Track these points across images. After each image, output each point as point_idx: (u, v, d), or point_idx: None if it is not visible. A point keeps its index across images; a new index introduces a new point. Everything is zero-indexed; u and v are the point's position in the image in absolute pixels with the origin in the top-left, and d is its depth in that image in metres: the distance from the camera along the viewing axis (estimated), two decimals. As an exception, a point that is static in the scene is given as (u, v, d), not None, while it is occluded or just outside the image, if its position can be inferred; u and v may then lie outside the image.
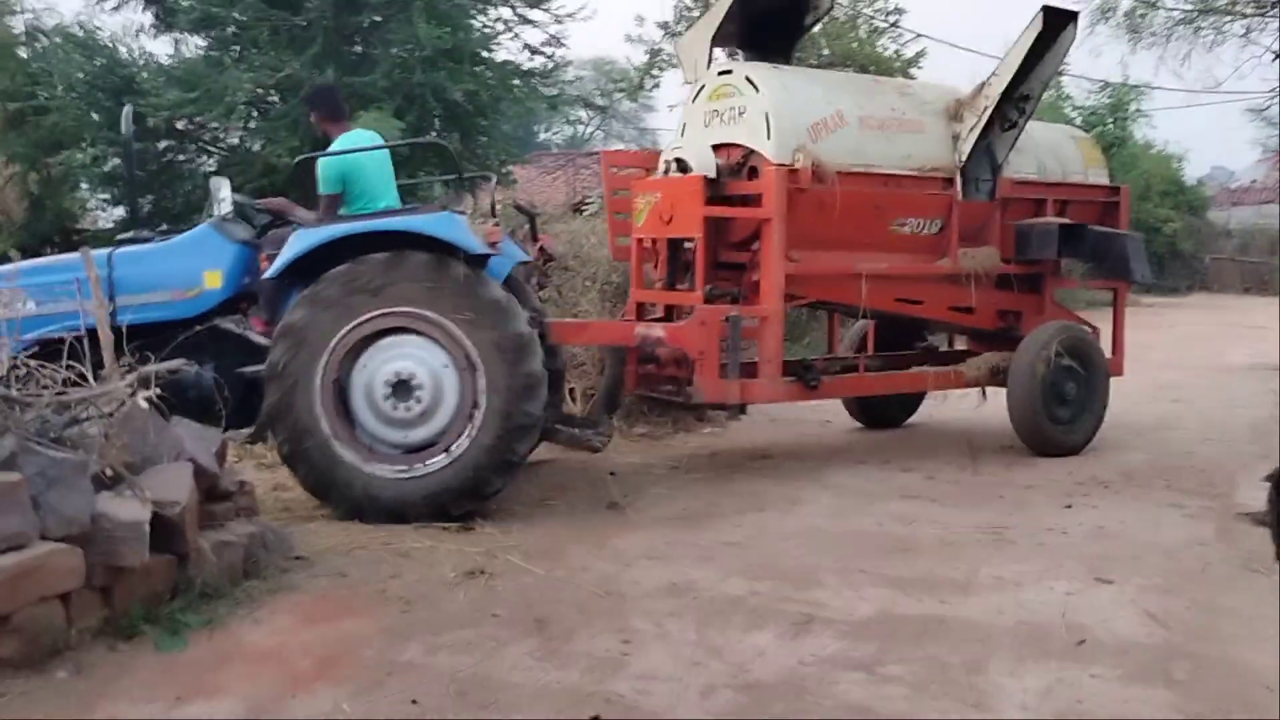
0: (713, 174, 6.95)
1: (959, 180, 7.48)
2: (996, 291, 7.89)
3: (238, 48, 11.90)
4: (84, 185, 12.99)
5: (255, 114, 12.01)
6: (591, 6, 12.74)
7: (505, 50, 13.05)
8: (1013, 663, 3.94)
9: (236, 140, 12.63)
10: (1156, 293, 25.04)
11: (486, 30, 12.58)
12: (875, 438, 8.64)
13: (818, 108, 7.12)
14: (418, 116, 11.33)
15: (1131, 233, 8.23)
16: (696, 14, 18.70)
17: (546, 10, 12.70)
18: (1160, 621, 4.37)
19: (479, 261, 5.87)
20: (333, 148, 6.42)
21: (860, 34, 18.45)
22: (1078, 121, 25.99)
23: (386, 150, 6.66)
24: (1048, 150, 8.22)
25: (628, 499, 6.41)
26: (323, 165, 6.31)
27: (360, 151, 6.37)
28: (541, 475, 7.07)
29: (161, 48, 20.13)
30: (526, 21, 12.76)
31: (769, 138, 6.93)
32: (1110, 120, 29.66)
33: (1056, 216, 7.92)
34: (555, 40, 12.84)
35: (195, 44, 12.66)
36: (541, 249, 7.21)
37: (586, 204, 15.32)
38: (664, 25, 18.65)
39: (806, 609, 4.49)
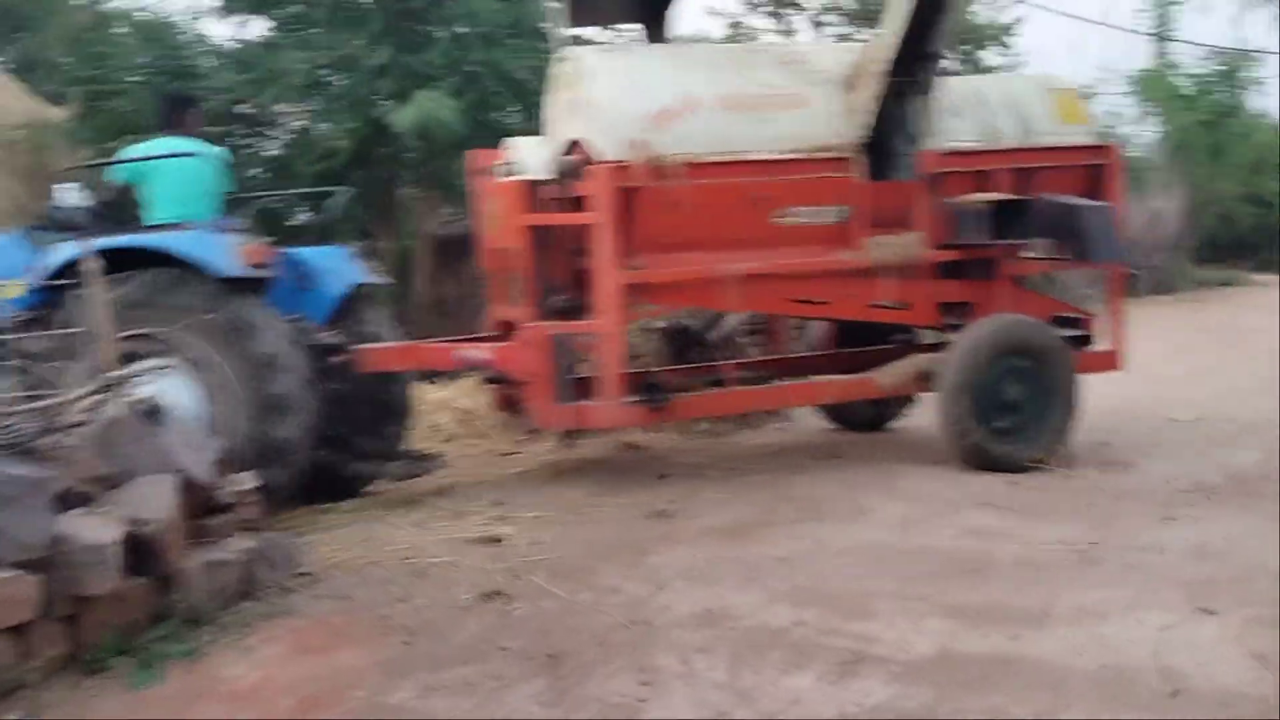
0: (545, 174, 6.34)
1: (860, 159, 6.49)
2: (936, 282, 6.84)
3: (300, 28, 11.62)
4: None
5: (314, 95, 11.74)
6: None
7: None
8: (1090, 717, 3.37)
9: (297, 123, 12.39)
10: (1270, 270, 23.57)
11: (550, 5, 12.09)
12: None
13: (663, 91, 6.31)
14: (478, 95, 10.93)
15: (1095, 203, 6.77)
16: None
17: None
18: (1269, 664, 3.73)
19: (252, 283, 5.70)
20: (130, 152, 6.31)
21: None
22: (1190, 92, 24.55)
23: (212, 162, 6.41)
24: (1003, 109, 7.02)
25: (676, 505, 5.91)
26: (111, 172, 6.25)
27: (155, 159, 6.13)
28: (591, 477, 6.62)
29: (227, 31, 20.18)
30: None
31: (598, 131, 6.23)
32: (1222, 88, 28.07)
33: (1011, 188, 6.74)
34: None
35: (261, 27, 12.49)
36: None
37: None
38: (746, -1, 18.02)
39: (856, 644, 3.95)
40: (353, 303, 6.51)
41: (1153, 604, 4.31)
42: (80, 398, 3.89)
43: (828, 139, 6.47)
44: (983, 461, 6.49)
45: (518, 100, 11.68)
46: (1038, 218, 6.65)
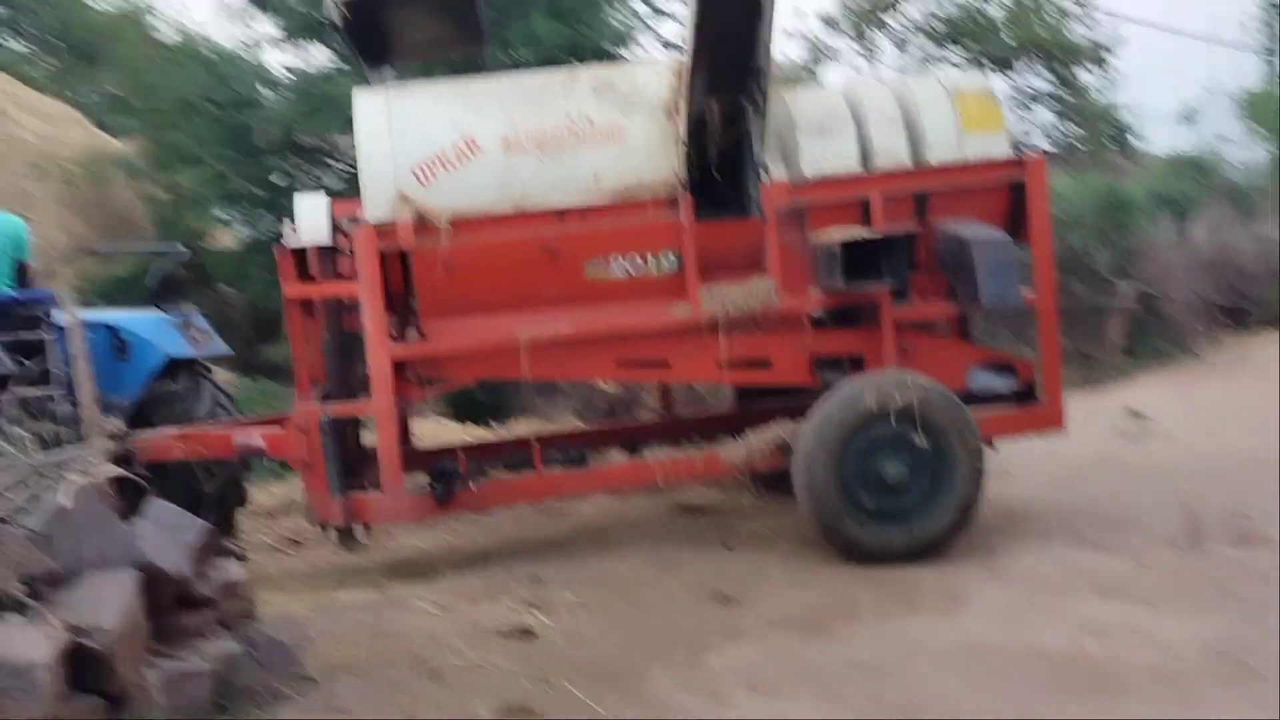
0: (323, 240, 5.60)
1: (687, 196, 5.59)
2: (805, 335, 5.81)
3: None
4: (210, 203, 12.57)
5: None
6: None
7: (640, 46, 11.97)
8: None
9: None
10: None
11: (616, 25, 11.50)
12: (1062, 497, 7.02)
13: (437, 137, 5.54)
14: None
15: (985, 234, 5.61)
16: (865, 4, 17.35)
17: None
18: None
19: None
20: None
21: (1047, 18, 16.59)
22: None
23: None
24: (888, 123, 5.86)
25: (740, 587, 5.13)
26: None
27: None
28: (642, 545, 5.87)
29: (285, 59, 20.01)
30: (662, 13, 11.65)
31: (365, 184, 5.53)
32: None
33: (902, 217, 5.69)
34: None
35: (322, 57, 12.10)
36: None
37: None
38: (825, 18, 17.31)
39: (957, 795, 3.15)
40: (174, 377, 6.08)
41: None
42: (21, 479, 3.25)
43: (647, 175, 5.58)
44: (853, 553, 5.44)
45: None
46: (923, 253, 5.68)
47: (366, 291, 5.42)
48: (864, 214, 5.68)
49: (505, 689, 3.93)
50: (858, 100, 5.94)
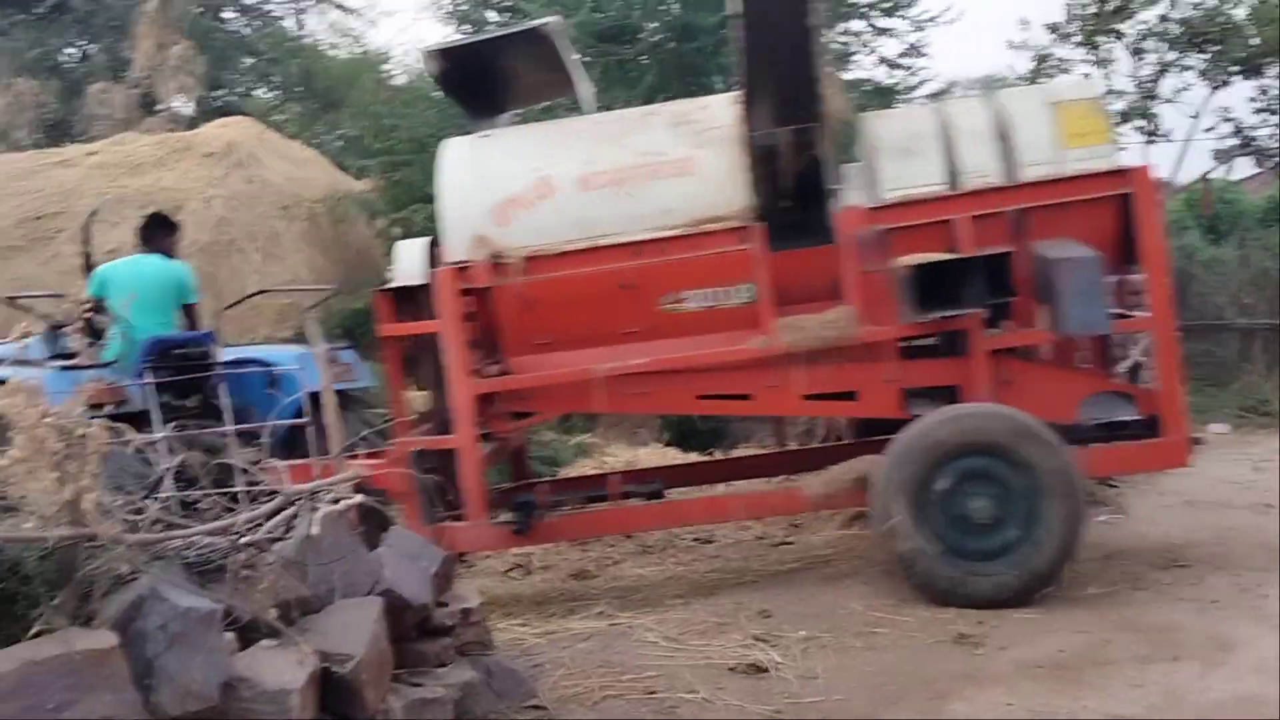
0: (416, 280, 5.82)
1: (760, 226, 5.50)
2: (892, 365, 5.55)
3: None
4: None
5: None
6: (959, 7, 11.21)
7: (859, 67, 11.76)
8: None
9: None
10: None
11: (836, 46, 11.32)
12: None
13: (513, 179, 5.68)
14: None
15: (1072, 254, 5.24)
16: (1093, 10, 16.53)
17: (904, 17, 11.25)
18: None
19: None
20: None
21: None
22: None
23: (160, 270, 6.72)
24: (977, 139, 5.58)
25: (982, 627, 4.86)
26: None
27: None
28: (877, 584, 5.66)
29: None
30: (882, 32, 11.39)
31: (446, 227, 5.75)
32: None
33: (992, 240, 5.34)
34: (915, 50, 11.35)
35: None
36: None
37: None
38: (1053, 27, 16.55)
39: None
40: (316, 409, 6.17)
41: None
42: (278, 508, 3.39)
43: (719, 208, 5.56)
44: (948, 598, 5.10)
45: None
46: (1018, 276, 5.26)
47: (448, 328, 5.62)
48: (942, 237, 5.43)
49: (737, 729, 3.83)
50: (948, 118, 5.71)
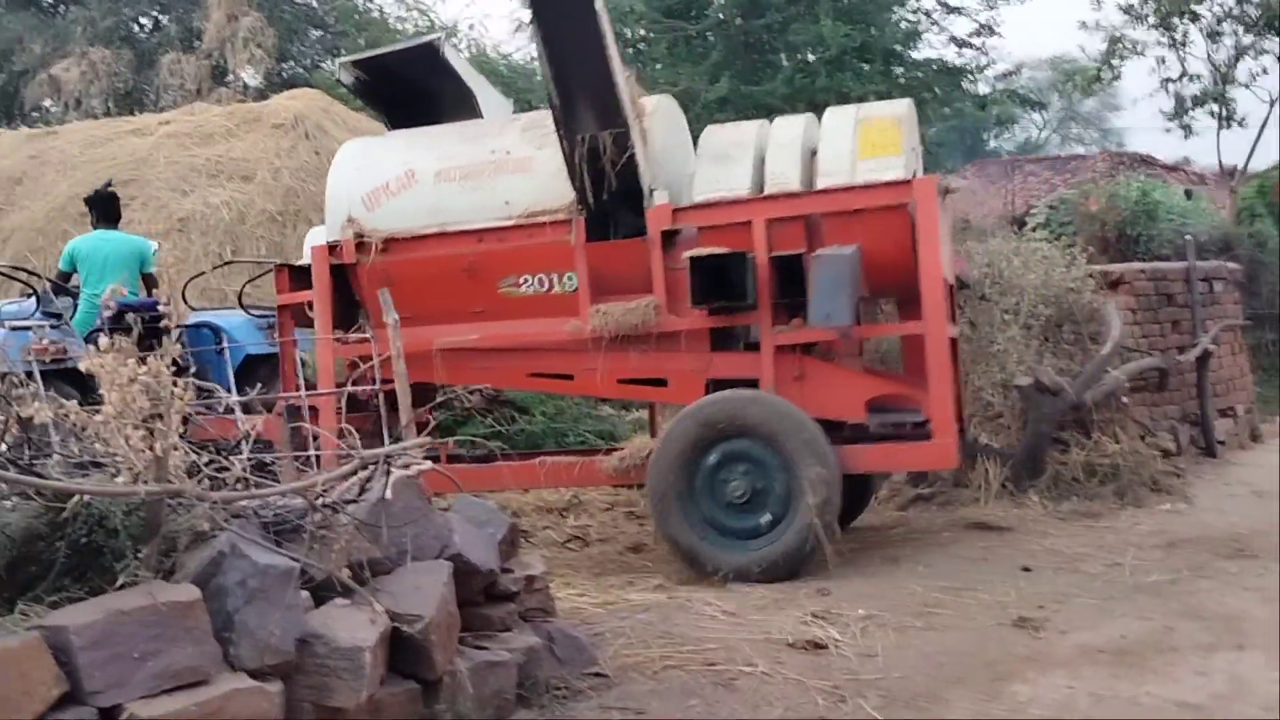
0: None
1: (580, 220, 5.93)
2: (696, 355, 5.89)
3: (638, 65, 11.40)
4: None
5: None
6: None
7: (927, 46, 11.62)
8: None
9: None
10: None
11: (906, 24, 11.20)
12: None
13: (385, 170, 6.34)
14: (822, 125, 10.18)
15: (829, 252, 5.50)
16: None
17: (977, -6, 11.11)
18: None
19: None
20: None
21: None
22: None
23: (123, 243, 7.63)
24: (786, 150, 5.89)
25: (1043, 611, 4.84)
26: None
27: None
28: (934, 563, 5.66)
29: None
30: (952, 10, 11.24)
31: (328, 212, 6.48)
32: None
33: (793, 243, 5.65)
34: (987, 29, 11.20)
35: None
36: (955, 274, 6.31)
37: (1031, 214, 13.46)
38: (1126, 8, 16.23)
39: None
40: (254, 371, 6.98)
41: None
42: (353, 470, 3.45)
43: (549, 203, 6.02)
44: (695, 567, 5.62)
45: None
46: (749, 275, 5.63)
47: (317, 299, 6.33)
48: (741, 237, 5.77)
49: (798, 703, 3.85)
50: (770, 132, 6.09)
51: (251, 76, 19.90)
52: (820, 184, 5.79)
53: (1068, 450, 7.11)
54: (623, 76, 5.74)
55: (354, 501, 3.52)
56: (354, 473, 3.42)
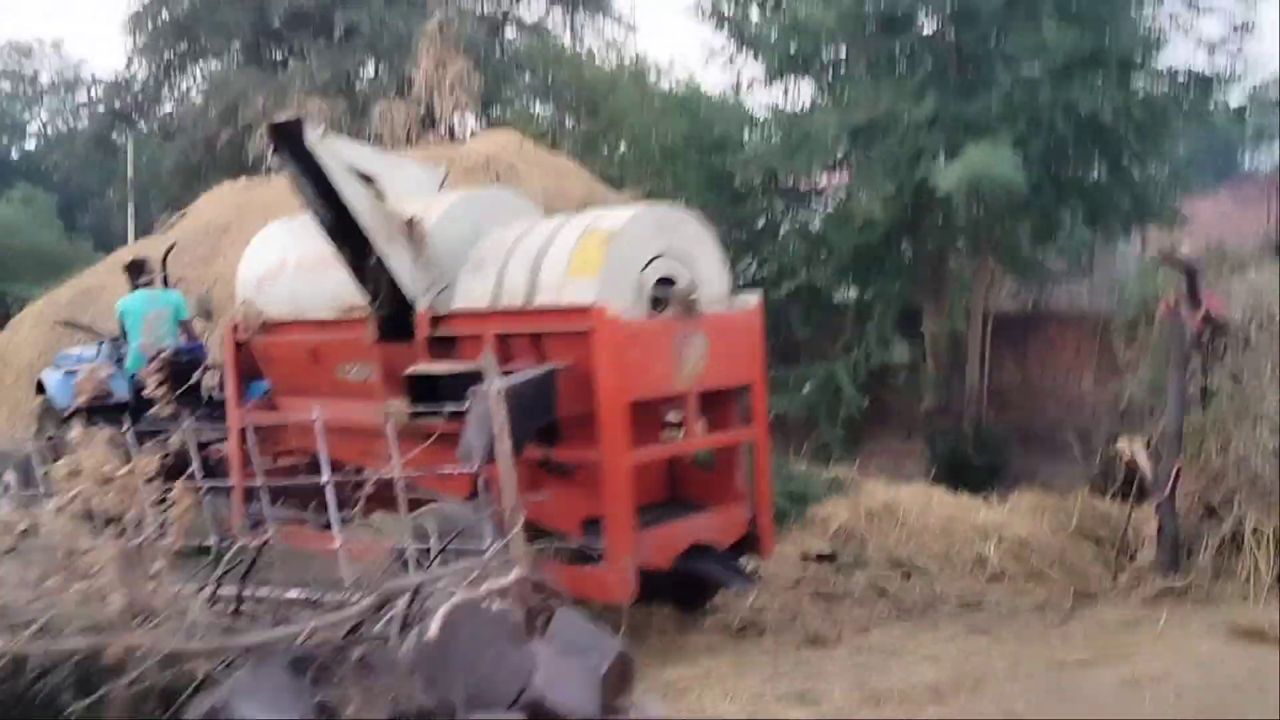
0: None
1: (372, 320, 6.16)
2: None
3: (835, 86, 10.47)
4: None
5: (847, 157, 10.49)
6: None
7: (1172, 51, 10.17)
8: None
9: (840, 194, 11.24)
10: None
11: (1147, 30, 9.81)
12: None
13: (269, 256, 6.88)
14: (1045, 144, 8.97)
15: (501, 384, 5.02)
16: None
17: (1231, -9, 9.62)
18: None
19: None
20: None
21: None
22: None
23: (159, 299, 8.24)
24: (521, 262, 5.80)
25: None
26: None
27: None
28: (1189, 694, 4.45)
29: (769, 98, 19.90)
30: (1203, 10, 9.78)
31: (238, 291, 7.05)
32: None
33: (528, 357, 5.59)
34: (1244, 27, 9.68)
35: (805, 92, 11.55)
36: (1206, 314, 5.97)
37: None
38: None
39: None
40: None
41: None
42: (383, 601, 2.70)
43: (355, 298, 6.27)
44: None
45: (1098, 147, 9.54)
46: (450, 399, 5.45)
47: (227, 370, 7.05)
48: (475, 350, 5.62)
49: None
50: (519, 239, 5.94)
51: (458, 121, 20.02)
52: (537, 300, 5.73)
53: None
54: (365, 207, 5.92)
55: (404, 634, 2.77)
56: (379, 607, 2.66)
